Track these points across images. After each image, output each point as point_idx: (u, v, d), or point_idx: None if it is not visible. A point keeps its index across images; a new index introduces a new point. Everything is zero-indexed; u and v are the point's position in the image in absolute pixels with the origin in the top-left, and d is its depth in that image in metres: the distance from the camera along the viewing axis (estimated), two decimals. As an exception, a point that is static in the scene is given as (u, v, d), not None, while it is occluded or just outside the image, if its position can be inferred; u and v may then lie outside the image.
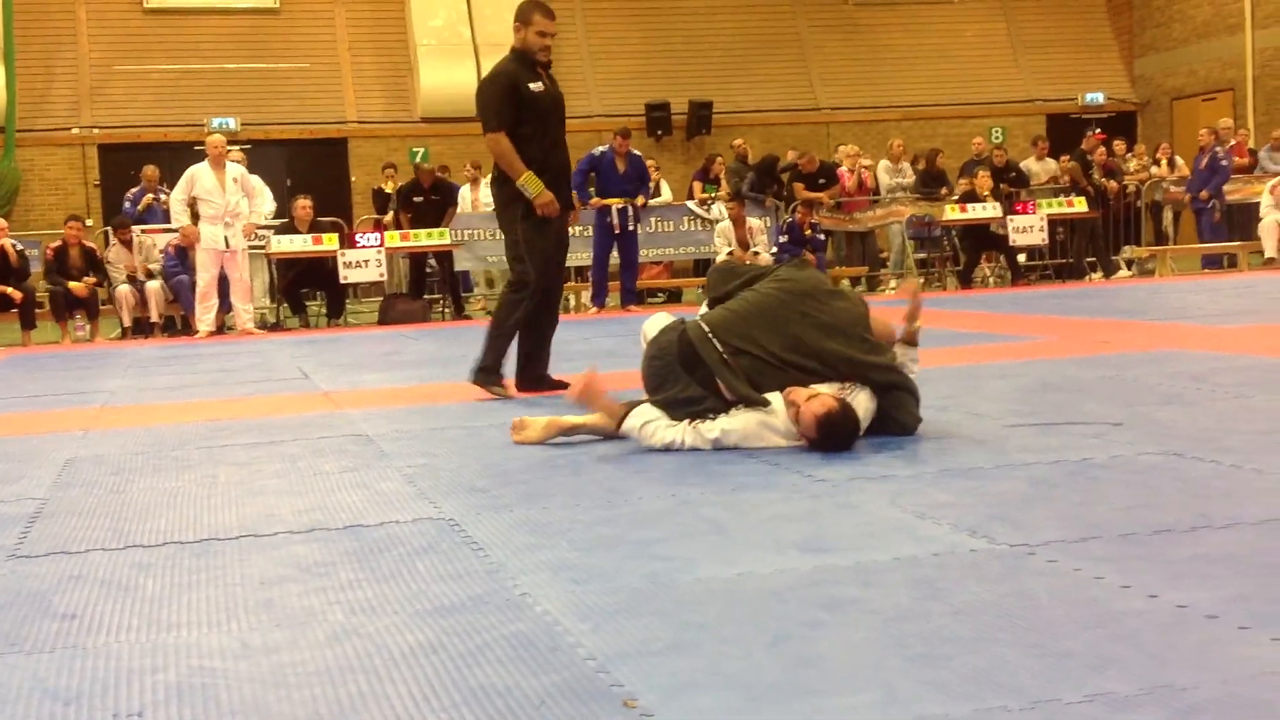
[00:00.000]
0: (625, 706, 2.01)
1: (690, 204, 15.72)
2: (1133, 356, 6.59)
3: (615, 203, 13.36)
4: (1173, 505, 3.21)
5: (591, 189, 13.56)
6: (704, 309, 4.85)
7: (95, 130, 20.11)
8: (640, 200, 13.64)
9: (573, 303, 14.31)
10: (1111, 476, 3.62)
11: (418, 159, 18.96)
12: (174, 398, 7.16)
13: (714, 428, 4.31)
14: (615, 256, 13.90)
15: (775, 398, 4.30)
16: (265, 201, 13.75)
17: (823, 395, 4.19)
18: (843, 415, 4.17)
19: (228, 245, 12.58)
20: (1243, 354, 6.45)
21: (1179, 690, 1.96)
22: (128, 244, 13.57)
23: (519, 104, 6.19)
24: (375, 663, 2.29)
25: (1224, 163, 16.06)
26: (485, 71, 23.40)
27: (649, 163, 17.34)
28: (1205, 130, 16.70)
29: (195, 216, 12.80)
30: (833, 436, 4.15)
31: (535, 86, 6.24)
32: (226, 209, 12.57)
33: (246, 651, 2.40)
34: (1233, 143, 17.41)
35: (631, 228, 13.53)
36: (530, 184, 6.17)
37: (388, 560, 3.06)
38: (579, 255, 14.67)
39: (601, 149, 13.65)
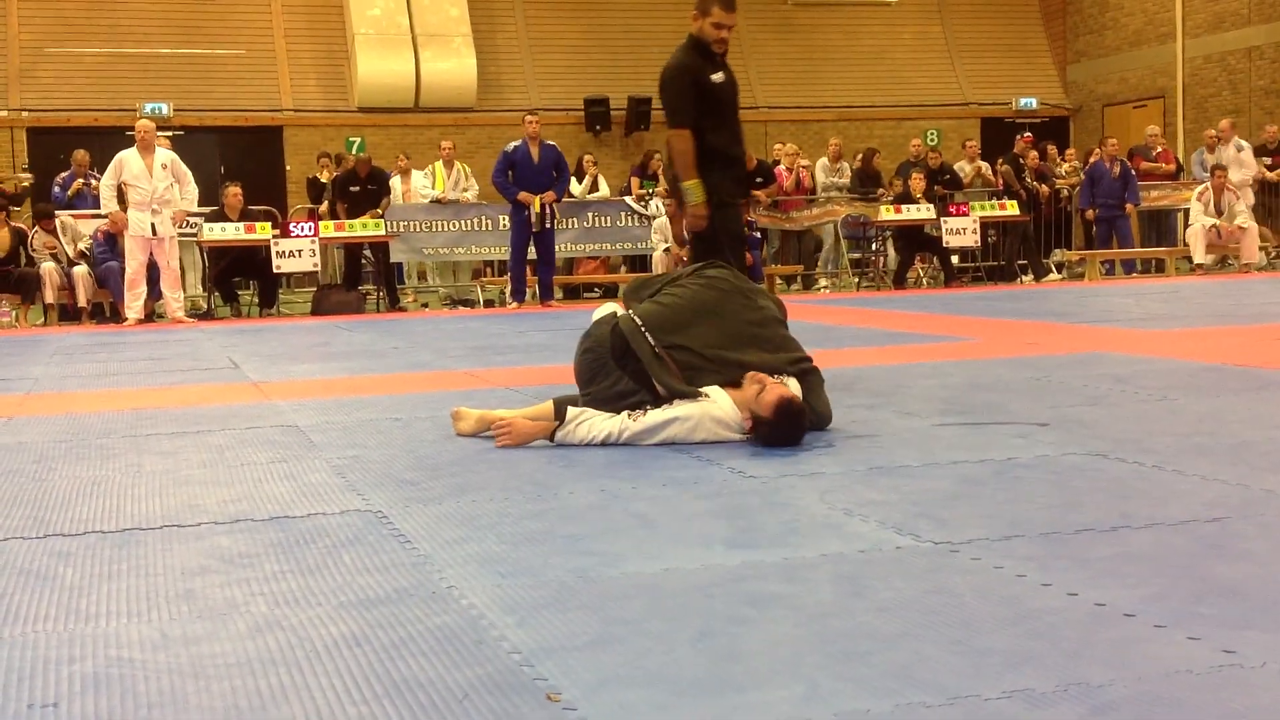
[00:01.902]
0: (548, 700, 2.01)
1: (628, 200, 15.72)
2: (1060, 358, 6.67)
3: (535, 205, 13.26)
4: (1095, 505, 3.26)
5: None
6: None
7: (24, 113, 19.76)
8: (550, 196, 13.45)
9: (489, 297, 14.26)
10: (1036, 476, 3.66)
11: (354, 149, 18.81)
12: (100, 385, 7.06)
13: (656, 416, 4.26)
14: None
15: (714, 390, 4.30)
16: (193, 188, 13.59)
17: (781, 385, 4.25)
18: (801, 408, 4.22)
19: (154, 232, 12.40)
20: (1166, 357, 6.56)
21: (1095, 687, 1.99)
22: (52, 233, 13.36)
23: (700, 96, 6.13)
24: (297, 655, 2.27)
25: (1132, 172, 16.29)
26: (425, 63, 23.08)
27: (586, 158, 17.33)
28: (1113, 141, 16.95)
29: (126, 203, 12.61)
30: (790, 422, 4.17)
31: (716, 77, 6.18)
32: (154, 195, 12.38)
33: (166, 642, 2.37)
34: (1159, 150, 17.68)
35: (549, 225, 13.45)
36: (695, 191, 6.10)
37: (313, 552, 3.04)
38: (499, 250, 14.58)
39: (515, 144, 13.50)
